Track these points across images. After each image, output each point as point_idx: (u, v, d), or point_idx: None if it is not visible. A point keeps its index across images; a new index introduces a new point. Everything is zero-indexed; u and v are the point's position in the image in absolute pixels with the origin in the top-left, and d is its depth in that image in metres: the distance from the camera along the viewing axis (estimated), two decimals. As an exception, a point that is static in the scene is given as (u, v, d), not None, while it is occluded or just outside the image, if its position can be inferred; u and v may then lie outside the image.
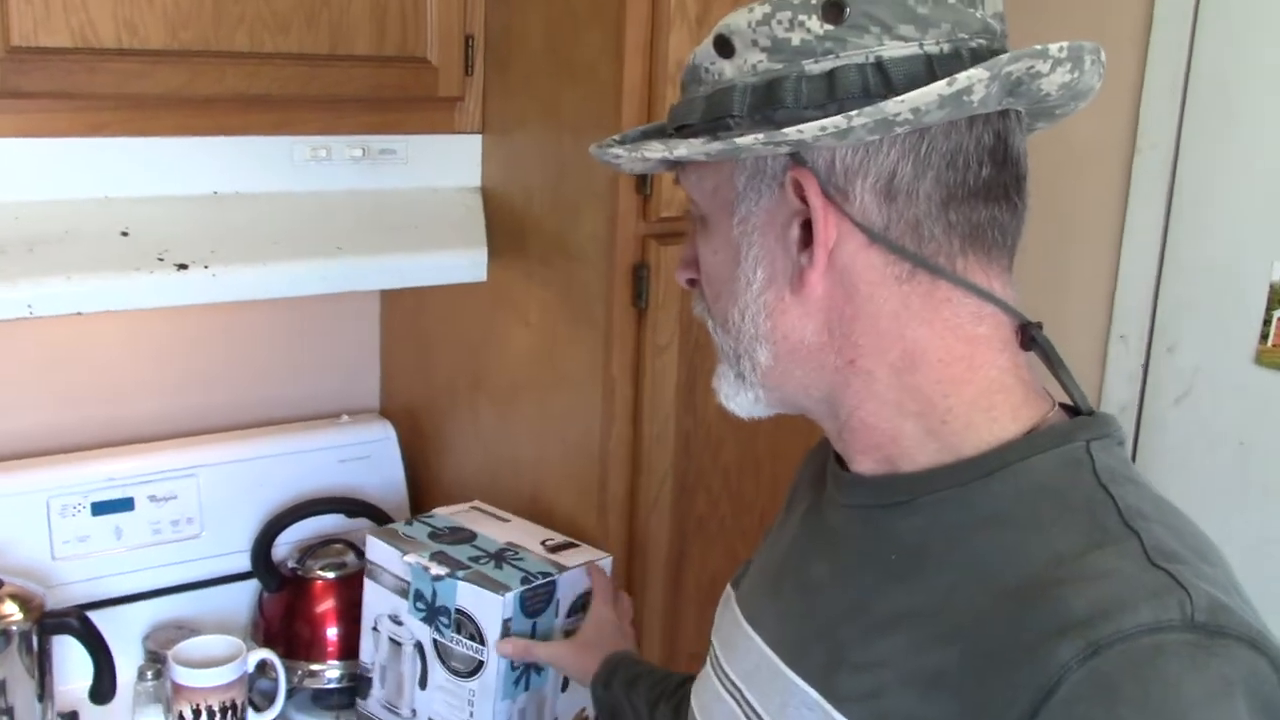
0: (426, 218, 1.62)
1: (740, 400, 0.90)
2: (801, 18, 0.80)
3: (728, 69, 0.83)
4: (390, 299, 1.94)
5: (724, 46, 0.84)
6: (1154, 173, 1.58)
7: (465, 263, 1.63)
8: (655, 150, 0.86)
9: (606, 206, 1.47)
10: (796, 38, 0.81)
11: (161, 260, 1.41)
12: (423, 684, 1.49)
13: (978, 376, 0.83)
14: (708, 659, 1.02)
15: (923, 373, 0.83)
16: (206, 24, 1.39)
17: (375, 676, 1.55)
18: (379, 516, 1.73)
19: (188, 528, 1.70)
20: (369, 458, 1.85)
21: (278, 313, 1.85)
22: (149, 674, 1.57)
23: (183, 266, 1.42)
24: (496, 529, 1.57)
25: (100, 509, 1.64)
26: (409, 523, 1.58)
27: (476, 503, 1.67)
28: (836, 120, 0.77)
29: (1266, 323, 1.46)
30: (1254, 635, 0.71)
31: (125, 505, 1.66)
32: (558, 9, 1.51)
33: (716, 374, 0.91)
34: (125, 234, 1.40)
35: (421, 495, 1.87)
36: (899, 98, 0.75)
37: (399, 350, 1.94)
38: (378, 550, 1.52)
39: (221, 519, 1.72)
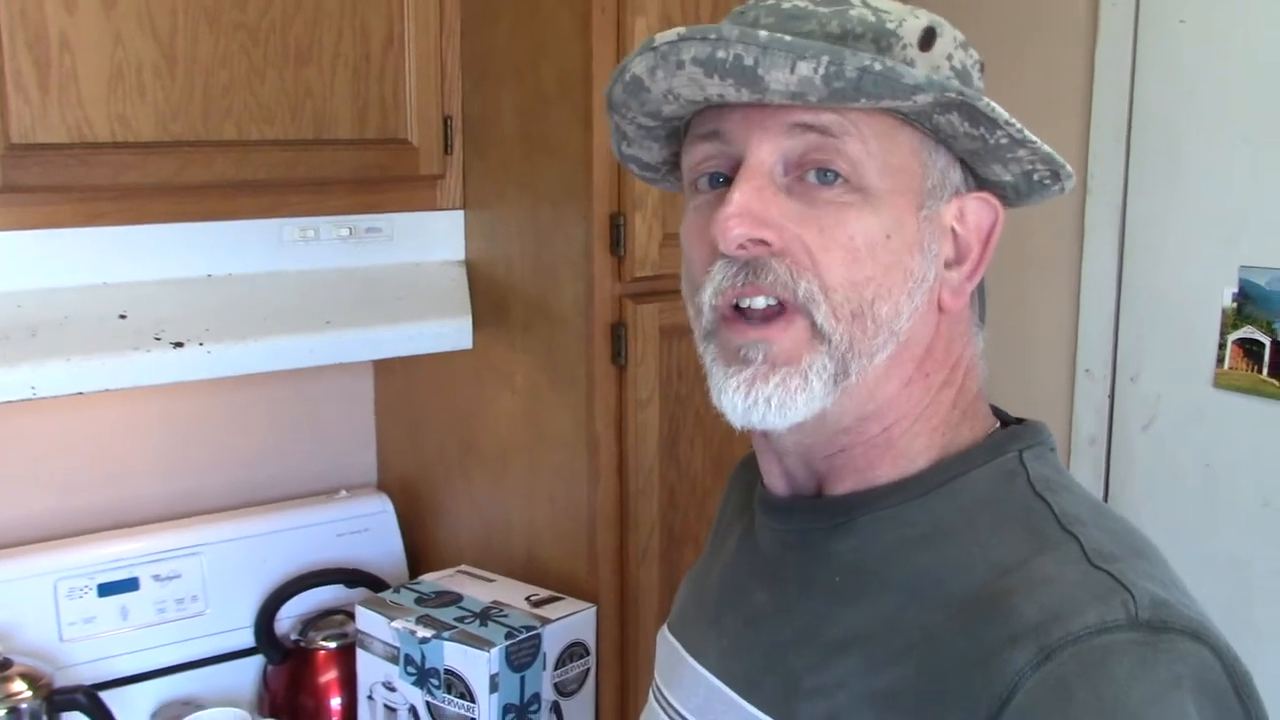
0: (412, 291, 1.67)
1: (799, 405, 0.79)
2: (975, 55, 0.84)
3: (920, 62, 0.79)
4: (382, 376, 1.99)
5: (929, 39, 0.79)
6: (1105, 213, 1.64)
7: (450, 331, 1.67)
8: (900, 74, 0.73)
9: (583, 270, 1.53)
10: (976, 76, 0.84)
11: (158, 339, 1.46)
12: (421, 747, 1.51)
13: (968, 393, 0.86)
14: (651, 695, 1.00)
15: (951, 389, 0.85)
16: (195, 116, 1.46)
17: (376, 744, 1.57)
18: (377, 585, 1.75)
19: (192, 605, 1.72)
20: (368, 530, 1.87)
21: (275, 394, 1.90)
22: (157, 749, 1.60)
23: (178, 345, 1.47)
24: (482, 590, 1.60)
25: (106, 590, 1.66)
26: (396, 590, 1.61)
27: (463, 566, 1.70)
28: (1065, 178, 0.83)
29: (1222, 347, 1.50)
30: (1196, 627, 0.72)
31: (130, 585, 1.68)
32: (529, 88, 1.58)
33: (781, 372, 0.78)
34: (123, 316, 1.46)
35: (419, 563, 1.90)
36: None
37: (393, 425, 1.98)
38: (366, 619, 1.55)
39: (225, 596, 1.74)
